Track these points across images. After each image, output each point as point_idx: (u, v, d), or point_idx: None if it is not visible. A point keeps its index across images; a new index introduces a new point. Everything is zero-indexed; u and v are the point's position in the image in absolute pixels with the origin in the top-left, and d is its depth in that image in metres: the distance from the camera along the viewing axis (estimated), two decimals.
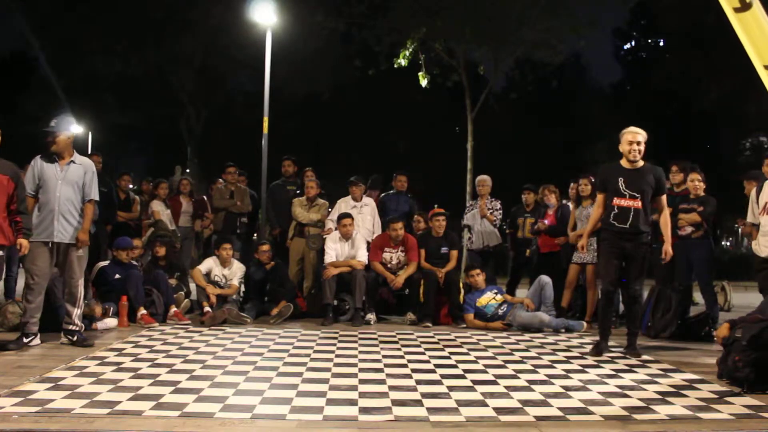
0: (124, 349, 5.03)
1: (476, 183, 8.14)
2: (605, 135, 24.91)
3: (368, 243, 7.23)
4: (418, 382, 4.09)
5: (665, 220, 5.27)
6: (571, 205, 7.26)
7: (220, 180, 8.92)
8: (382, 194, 8.36)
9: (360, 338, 5.78)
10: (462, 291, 7.07)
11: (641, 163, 5.16)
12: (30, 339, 5.01)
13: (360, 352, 5.09)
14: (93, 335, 5.56)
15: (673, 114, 26.92)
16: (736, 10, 3.84)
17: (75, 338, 5.12)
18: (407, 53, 14.96)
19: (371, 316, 6.73)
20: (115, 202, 7.62)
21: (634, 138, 5.13)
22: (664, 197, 5.22)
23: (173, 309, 6.61)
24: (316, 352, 5.06)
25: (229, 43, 19.31)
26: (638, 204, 5.06)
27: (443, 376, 4.25)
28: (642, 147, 5.13)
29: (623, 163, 5.20)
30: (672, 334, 6.06)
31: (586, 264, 6.74)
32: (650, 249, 5.24)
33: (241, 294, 7.14)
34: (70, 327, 5.14)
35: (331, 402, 3.58)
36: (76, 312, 5.15)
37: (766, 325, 4.06)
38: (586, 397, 3.78)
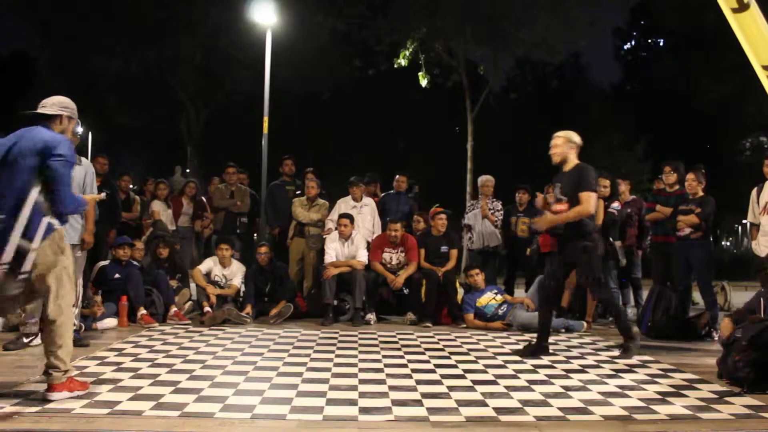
0: (124, 349, 5.03)
1: (479, 183, 8.14)
2: (605, 135, 24.98)
3: (368, 243, 7.23)
4: (418, 382, 4.09)
5: (572, 212, 4.94)
6: None
7: (217, 179, 8.92)
8: (382, 194, 8.37)
9: (360, 338, 5.78)
10: (462, 291, 7.08)
11: (570, 164, 5.07)
12: (30, 339, 5.01)
13: (360, 352, 5.09)
14: (92, 335, 5.56)
15: (673, 114, 26.94)
16: (734, 10, 3.84)
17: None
18: (407, 53, 15.00)
19: (371, 316, 6.73)
20: (119, 204, 7.59)
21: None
22: (582, 194, 4.90)
23: (173, 309, 6.61)
24: (316, 352, 5.06)
25: (229, 43, 19.31)
26: (565, 208, 5.00)
27: (443, 376, 4.25)
28: (557, 150, 5.07)
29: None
30: (672, 334, 6.06)
31: None
32: (593, 250, 5.01)
33: (241, 294, 7.13)
34: None
35: (331, 402, 3.58)
36: (74, 312, 5.14)
37: (766, 325, 4.06)
38: (586, 397, 3.78)
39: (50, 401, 3.44)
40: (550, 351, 5.15)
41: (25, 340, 4.98)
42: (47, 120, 3.67)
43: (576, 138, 5.12)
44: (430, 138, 27.12)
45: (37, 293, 3.56)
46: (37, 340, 5.06)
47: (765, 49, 3.87)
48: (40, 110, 3.69)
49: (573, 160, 5.10)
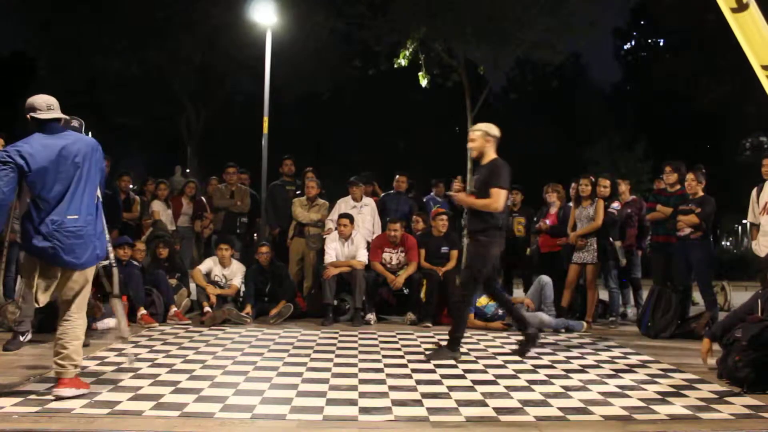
0: (124, 349, 5.03)
1: None
2: (605, 135, 24.96)
3: (368, 243, 7.23)
4: (418, 382, 4.09)
5: (480, 201, 4.96)
6: (571, 204, 7.27)
7: (215, 179, 8.90)
8: (383, 194, 8.37)
9: (360, 338, 5.78)
10: None
11: (487, 159, 5.04)
12: (26, 337, 4.98)
13: (360, 352, 5.09)
14: (92, 335, 5.55)
15: (673, 114, 26.95)
16: (734, 10, 3.85)
17: None
18: (407, 53, 14.98)
19: (371, 316, 6.73)
20: (120, 205, 7.58)
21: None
22: (492, 189, 4.88)
23: (173, 309, 6.61)
24: (316, 352, 5.06)
25: (229, 43, 19.30)
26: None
27: (443, 376, 4.25)
28: (474, 144, 5.03)
29: None
30: (672, 334, 6.07)
31: (586, 264, 6.73)
32: (486, 245, 4.96)
33: (241, 294, 7.13)
34: None
35: (331, 402, 3.58)
36: None
37: (766, 325, 4.06)
38: (586, 397, 3.78)
39: (59, 397, 3.47)
40: (550, 351, 5.15)
41: (22, 338, 4.96)
42: (58, 122, 3.75)
43: (494, 131, 5.05)
44: (430, 138, 27.12)
45: (71, 285, 3.63)
46: (29, 335, 5.03)
47: (764, 49, 3.88)
48: (52, 114, 3.75)
49: (490, 155, 5.06)
